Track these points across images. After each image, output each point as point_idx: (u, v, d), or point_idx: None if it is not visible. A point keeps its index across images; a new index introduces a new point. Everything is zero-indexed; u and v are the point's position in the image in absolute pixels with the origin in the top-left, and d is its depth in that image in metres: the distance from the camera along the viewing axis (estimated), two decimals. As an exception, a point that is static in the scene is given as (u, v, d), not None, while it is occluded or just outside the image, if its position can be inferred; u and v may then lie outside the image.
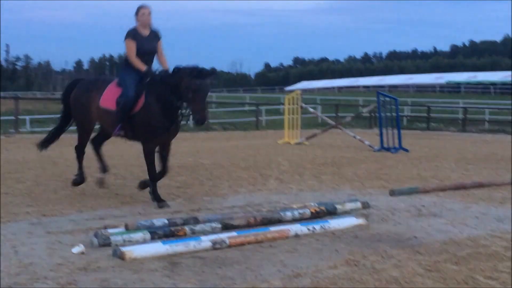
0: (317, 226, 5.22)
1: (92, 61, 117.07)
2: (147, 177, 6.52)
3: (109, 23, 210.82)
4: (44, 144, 7.33)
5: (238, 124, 26.76)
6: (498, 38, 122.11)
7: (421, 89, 70.05)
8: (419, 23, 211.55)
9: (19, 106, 18.56)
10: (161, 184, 6.82)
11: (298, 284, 3.73)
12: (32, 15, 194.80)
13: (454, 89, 66.61)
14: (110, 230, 4.74)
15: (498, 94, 59.33)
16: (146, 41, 6.53)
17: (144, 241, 4.61)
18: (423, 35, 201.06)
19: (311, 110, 19.05)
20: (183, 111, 6.28)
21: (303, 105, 17.54)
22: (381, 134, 14.69)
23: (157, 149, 6.57)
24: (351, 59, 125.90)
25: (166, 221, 5.02)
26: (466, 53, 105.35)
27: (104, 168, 7.06)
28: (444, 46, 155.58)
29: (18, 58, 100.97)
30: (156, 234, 4.73)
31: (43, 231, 5.01)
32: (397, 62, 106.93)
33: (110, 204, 6.40)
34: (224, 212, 5.87)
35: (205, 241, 4.54)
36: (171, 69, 6.40)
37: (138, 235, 4.67)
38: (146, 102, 6.29)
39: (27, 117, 22.66)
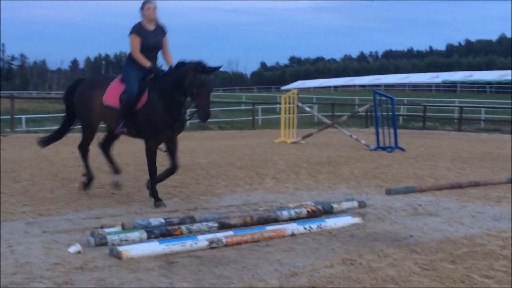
0: (313, 225, 5.22)
1: (88, 60, 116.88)
2: (149, 175, 6.49)
3: (105, 22, 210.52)
4: (46, 142, 7.31)
5: (234, 123, 26.75)
6: (493, 37, 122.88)
7: (417, 88, 70.24)
8: (415, 22, 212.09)
9: (14, 105, 18.52)
10: (158, 183, 6.81)
11: (295, 283, 3.74)
12: (28, 14, 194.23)
13: (450, 88, 66.83)
14: (107, 230, 4.73)
15: (493, 93, 59.52)
16: (151, 36, 6.48)
17: (141, 241, 4.61)
18: (419, 34, 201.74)
19: (307, 109, 19.07)
20: (188, 109, 6.24)
21: (299, 104, 17.55)
22: (377, 133, 14.71)
23: (164, 148, 6.56)
24: (347, 58, 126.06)
25: (163, 220, 5.02)
26: (462, 52, 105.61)
27: (116, 170, 7.02)
28: (440, 45, 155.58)
29: (13, 57, 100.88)
30: (153, 234, 4.73)
31: (40, 230, 5.00)
32: (393, 61, 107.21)
33: (107, 203, 6.39)
34: (220, 211, 5.87)
35: (202, 240, 4.53)
36: (174, 65, 6.37)
37: (135, 234, 4.67)
38: (149, 99, 6.25)
39: (23, 117, 22.62)
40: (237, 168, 9.84)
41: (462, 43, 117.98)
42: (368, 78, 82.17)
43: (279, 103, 22.39)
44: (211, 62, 5.99)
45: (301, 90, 44.99)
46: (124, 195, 6.87)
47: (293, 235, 5.01)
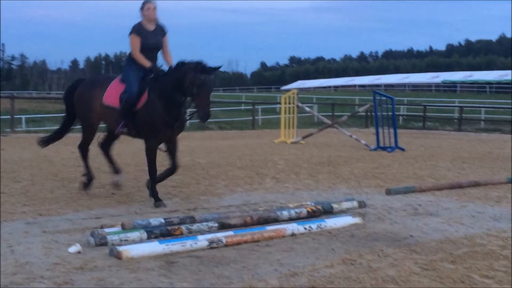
0: (313, 225, 5.22)
1: (88, 60, 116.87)
2: (149, 175, 6.49)
3: (105, 22, 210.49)
4: (46, 142, 7.31)
5: (234, 123, 26.75)
6: (493, 37, 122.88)
7: (417, 88, 70.24)
8: (415, 22, 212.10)
9: (14, 105, 18.52)
10: (158, 183, 6.81)
11: (295, 283, 3.74)
12: (28, 14, 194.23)
13: (450, 88, 66.82)
14: (107, 230, 4.73)
15: (493, 93, 59.51)
16: (151, 36, 6.49)
17: (141, 241, 4.61)
18: (419, 34, 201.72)
19: (307, 109, 19.07)
20: (188, 109, 6.25)
21: (299, 104, 17.55)
22: (377, 133, 14.71)
23: (164, 148, 6.56)
24: (347, 58, 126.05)
25: (163, 220, 5.01)
26: (462, 52, 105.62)
27: (116, 170, 7.02)
28: (440, 45, 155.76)
29: (13, 57, 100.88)
30: (153, 233, 4.73)
31: (40, 230, 5.00)
32: (393, 61, 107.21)
33: (107, 203, 6.39)
34: (220, 211, 5.87)
35: (202, 240, 4.53)
36: (174, 65, 6.37)
37: (135, 234, 4.67)
38: (149, 99, 6.25)
39: (23, 117, 22.63)
40: (237, 168, 9.84)
41: (462, 43, 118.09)
42: (368, 78, 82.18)
43: (279, 103, 22.39)
44: (211, 62, 6.00)
45: (301, 90, 45.00)
46: (124, 195, 6.87)
47: (293, 235, 5.01)
